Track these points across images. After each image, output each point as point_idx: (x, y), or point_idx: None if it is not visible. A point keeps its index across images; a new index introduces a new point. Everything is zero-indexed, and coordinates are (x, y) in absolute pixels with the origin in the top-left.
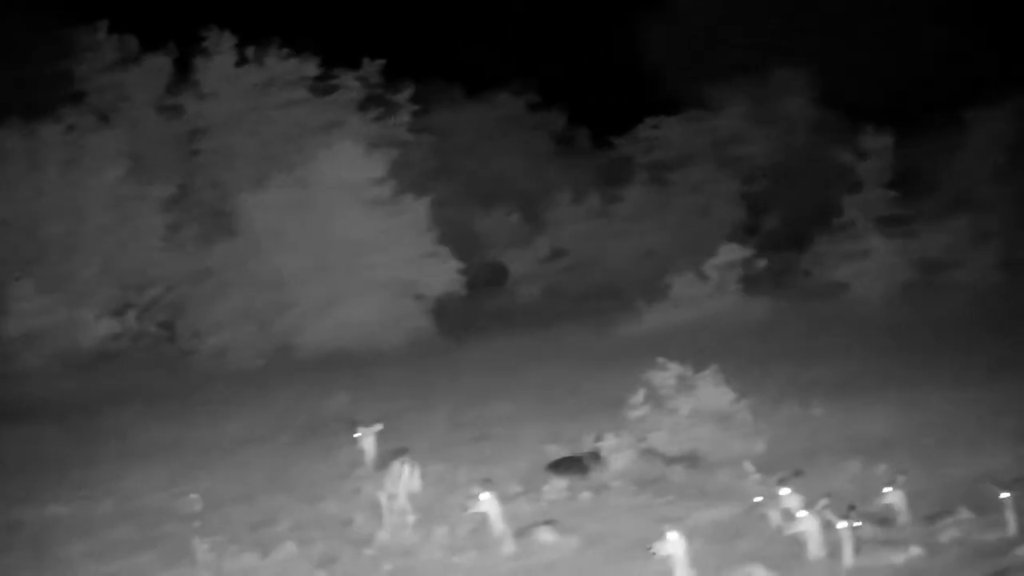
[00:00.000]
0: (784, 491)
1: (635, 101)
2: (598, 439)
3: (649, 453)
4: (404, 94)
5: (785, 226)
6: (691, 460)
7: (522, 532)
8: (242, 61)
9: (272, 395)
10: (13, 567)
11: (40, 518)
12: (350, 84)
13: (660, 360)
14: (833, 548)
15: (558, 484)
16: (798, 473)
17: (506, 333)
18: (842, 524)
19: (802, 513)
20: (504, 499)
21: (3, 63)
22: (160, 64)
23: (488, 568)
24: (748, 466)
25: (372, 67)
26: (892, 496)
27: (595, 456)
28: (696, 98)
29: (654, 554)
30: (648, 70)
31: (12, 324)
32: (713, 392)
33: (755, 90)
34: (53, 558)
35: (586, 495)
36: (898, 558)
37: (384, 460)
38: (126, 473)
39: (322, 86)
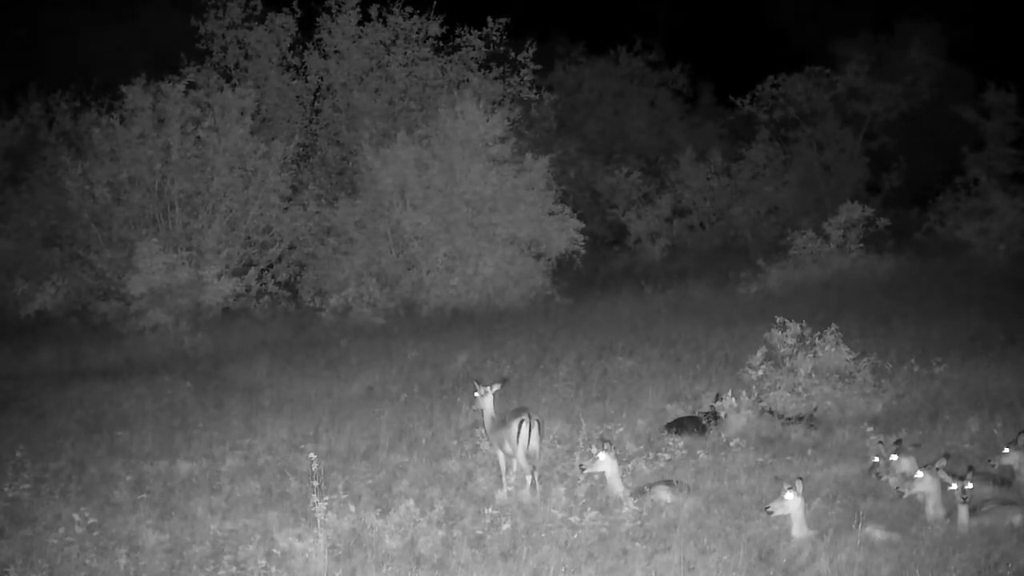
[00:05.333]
0: (903, 451)
1: (757, 59)
2: (717, 399)
3: (768, 413)
4: (527, 52)
5: (908, 184)
6: (810, 420)
7: (641, 491)
8: (366, 19)
9: (394, 353)
10: (139, 522)
11: (167, 473)
12: (473, 43)
13: (779, 320)
14: (952, 508)
15: (677, 444)
16: (918, 433)
17: (627, 292)
18: (955, 485)
19: (920, 473)
20: (623, 458)
21: (129, 21)
22: (284, 23)
23: (607, 527)
24: (867, 426)
25: (495, 25)
26: (1011, 456)
27: (714, 416)
28: (818, 54)
29: (771, 514)
30: (771, 27)
31: (138, 281)
32: (833, 351)
33: (878, 46)
34: (179, 514)
35: (705, 455)
36: (1016, 518)
37: (504, 419)
38: (251, 430)
39: (445, 44)
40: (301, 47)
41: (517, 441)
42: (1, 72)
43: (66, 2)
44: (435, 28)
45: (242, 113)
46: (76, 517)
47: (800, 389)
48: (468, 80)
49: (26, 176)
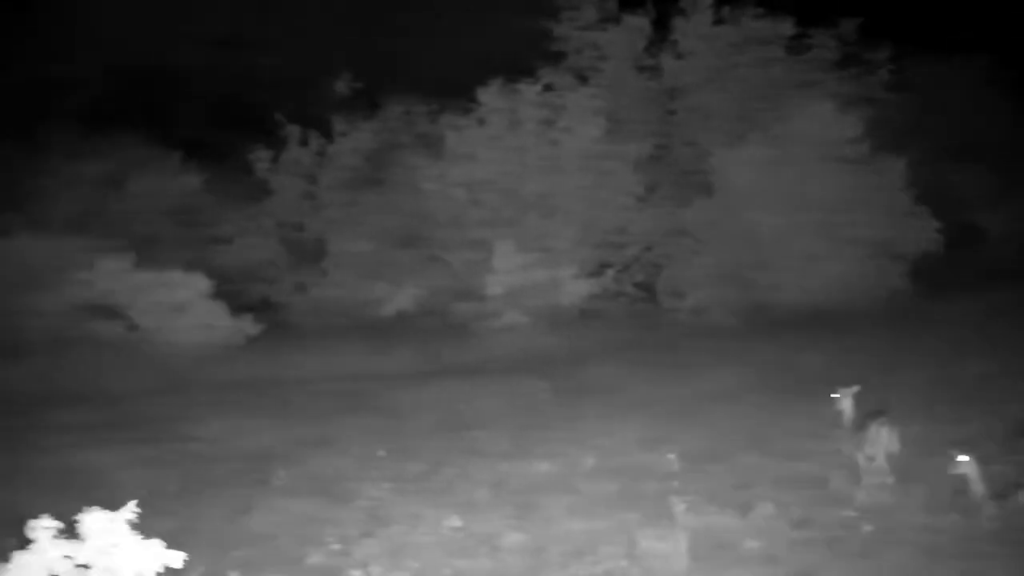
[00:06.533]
0: None
1: None
2: None
3: None
4: (881, 52)
5: None
6: None
7: (1003, 494)
8: (718, 21)
9: (748, 354)
10: (501, 523)
11: (525, 473)
12: (826, 43)
13: None
14: None
15: None
16: None
17: (984, 292)
18: None
19: None
20: (983, 460)
21: (489, 22)
22: (638, 24)
23: (968, 531)
24: None
25: (848, 25)
26: None
27: None
28: None
29: None
30: None
31: (496, 282)
32: None
33: None
34: (538, 514)
35: None
36: None
37: (862, 421)
38: (607, 429)
39: (797, 45)
40: (655, 48)
41: (876, 443)
42: (362, 76)
43: (421, 7)
44: (787, 28)
45: (595, 114)
46: (439, 517)
47: None
48: (820, 80)
49: (385, 178)
